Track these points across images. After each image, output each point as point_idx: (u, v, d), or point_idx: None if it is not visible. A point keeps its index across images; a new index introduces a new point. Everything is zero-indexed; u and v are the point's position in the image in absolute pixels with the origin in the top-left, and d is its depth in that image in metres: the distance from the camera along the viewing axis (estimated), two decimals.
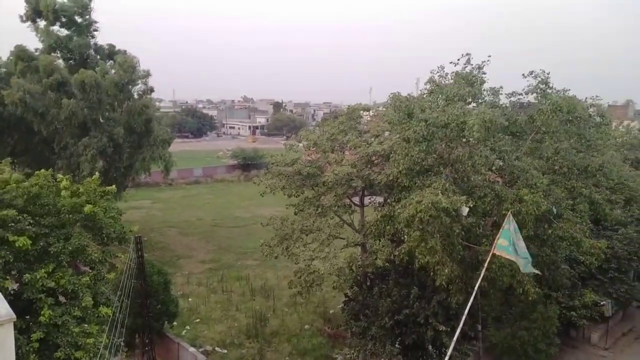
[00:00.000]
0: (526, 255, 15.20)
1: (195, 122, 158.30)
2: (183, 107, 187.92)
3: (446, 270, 17.28)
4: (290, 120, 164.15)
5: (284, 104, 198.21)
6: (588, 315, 23.57)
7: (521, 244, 15.12)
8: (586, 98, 22.15)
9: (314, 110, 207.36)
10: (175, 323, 25.66)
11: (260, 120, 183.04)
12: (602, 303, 24.27)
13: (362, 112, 26.33)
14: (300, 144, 26.20)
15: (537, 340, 21.30)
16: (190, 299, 30.16)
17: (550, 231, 19.59)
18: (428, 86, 21.94)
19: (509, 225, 14.78)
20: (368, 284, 21.64)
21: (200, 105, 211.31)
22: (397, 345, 19.30)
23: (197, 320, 27.55)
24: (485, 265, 14.77)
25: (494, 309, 22.23)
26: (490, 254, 14.80)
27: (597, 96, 22.45)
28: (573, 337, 26.01)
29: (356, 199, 25.06)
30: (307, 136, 25.57)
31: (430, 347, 18.99)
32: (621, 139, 37.30)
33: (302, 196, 23.86)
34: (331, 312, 28.29)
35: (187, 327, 26.53)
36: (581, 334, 26.08)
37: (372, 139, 23.41)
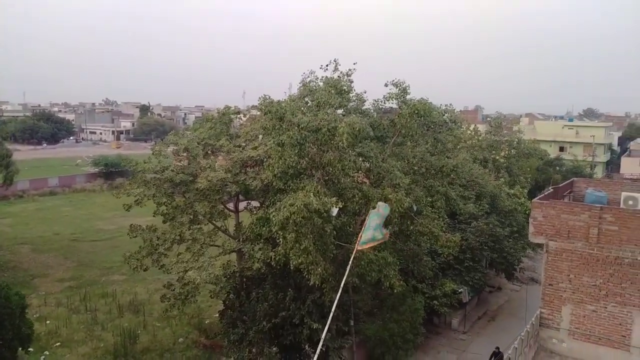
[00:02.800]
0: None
1: (50, 127, 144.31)
2: (35, 110, 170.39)
3: (319, 270, 17.71)
4: (159, 125, 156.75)
5: (151, 107, 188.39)
6: (448, 302, 25.71)
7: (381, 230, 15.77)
8: (441, 105, 24.22)
9: (185, 114, 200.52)
10: (31, 349, 22.98)
11: (126, 124, 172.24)
12: (460, 290, 26.61)
13: (234, 115, 25.98)
14: (169, 149, 25.11)
15: (406, 331, 22.73)
16: (48, 322, 27.26)
17: (412, 227, 21.13)
18: (300, 89, 22.40)
19: (370, 221, 15.49)
20: (245, 289, 21.38)
21: (56, 109, 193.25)
22: (274, 348, 19.31)
23: (58, 344, 24.98)
24: (350, 262, 15.34)
25: (366, 303, 23.28)
26: (355, 250, 15.42)
27: (450, 104, 24.66)
28: (436, 324, 28.19)
29: (231, 205, 24.63)
30: (176, 141, 24.59)
31: (307, 346, 19.29)
32: (470, 141, 41.44)
33: (173, 204, 22.86)
34: (207, 322, 27.44)
35: (46, 353, 23.94)
36: (443, 321, 28.37)
37: (246, 144, 23.23)
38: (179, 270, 22.31)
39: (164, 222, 23.15)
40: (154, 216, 23.70)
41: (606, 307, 17.25)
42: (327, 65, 22.26)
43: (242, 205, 25.39)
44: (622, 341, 17.03)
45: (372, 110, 24.59)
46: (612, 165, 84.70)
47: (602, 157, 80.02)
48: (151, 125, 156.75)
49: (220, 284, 22.06)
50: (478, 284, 28.23)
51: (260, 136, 23.04)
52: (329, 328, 18.43)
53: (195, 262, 22.01)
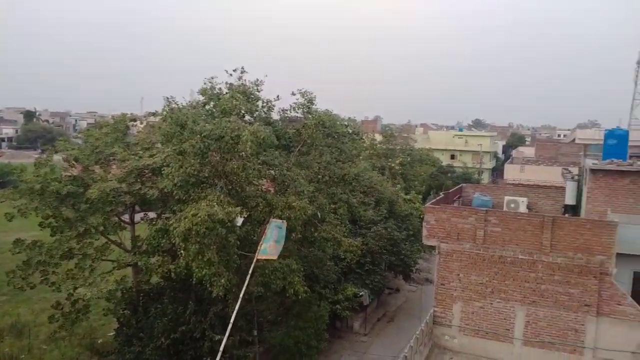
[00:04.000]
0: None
1: None
2: None
3: (222, 281, 17.40)
4: (46, 131, 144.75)
5: (37, 113, 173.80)
6: (350, 306, 26.42)
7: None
8: (345, 117, 25.01)
9: (76, 120, 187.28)
10: None
11: (8, 131, 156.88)
12: (360, 294, 27.46)
13: (130, 123, 24.80)
14: (57, 157, 23.34)
15: (311, 338, 23.01)
16: None
17: (316, 234, 21.52)
18: (202, 97, 21.93)
19: (271, 230, 15.60)
20: (142, 305, 20.41)
21: None
22: None
23: None
24: (250, 271, 15.28)
25: (271, 312, 23.24)
26: (255, 260, 15.39)
27: (354, 116, 25.58)
28: (338, 328, 28.83)
29: (126, 217, 23.41)
30: (66, 148, 22.93)
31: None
32: (369, 150, 43.15)
33: (62, 216, 21.26)
34: (100, 341, 25.72)
35: None
36: (345, 324, 29.08)
37: (143, 152, 22.24)
38: (68, 288, 20.78)
39: (52, 235, 21.45)
40: (41, 230, 21.87)
41: (492, 303, 18.72)
42: (233, 71, 22.08)
43: (138, 216, 24.23)
44: (507, 334, 18.56)
45: (278, 120, 24.76)
46: (497, 172, 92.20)
47: (489, 164, 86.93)
48: (37, 132, 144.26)
49: (114, 300, 20.86)
50: (378, 286, 29.32)
51: (159, 144, 22.21)
52: (231, 339, 18.16)
53: (87, 278, 20.64)
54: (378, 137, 50.15)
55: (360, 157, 32.15)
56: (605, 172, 20.79)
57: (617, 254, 17.65)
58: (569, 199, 24.17)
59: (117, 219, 22.59)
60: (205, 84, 21.88)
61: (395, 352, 23.89)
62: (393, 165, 43.70)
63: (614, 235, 17.40)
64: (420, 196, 41.98)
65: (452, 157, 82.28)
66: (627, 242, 18.47)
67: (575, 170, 29.19)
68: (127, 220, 23.42)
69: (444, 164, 69.85)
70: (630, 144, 28.96)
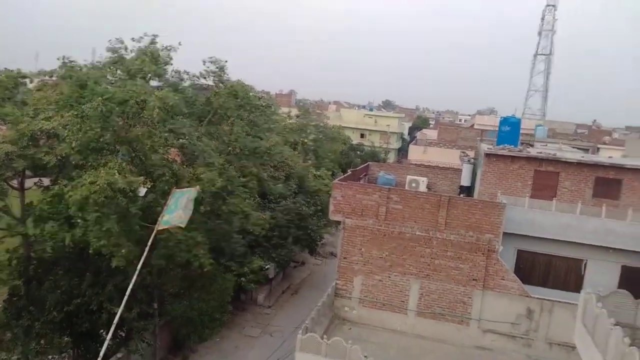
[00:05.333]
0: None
1: None
2: None
3: (123, 252, 16.79)
4: None
5: None
6: (256, 279, 26.62)
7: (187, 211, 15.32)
8: (259, 90, 24.70)
9: None
10: None
11: None
12: (266, 267, 27.75)
13: (22, 79, 22.69)
14: None
15: (214, 310, 22.96)
16: None
17: (224, 207, 21.30)
18: (109, 55, 20.59)
19: (176, 200, 15.09)
20: (35, 276, 19.13)
21: None
22: (66, 338, 17.79)
23: None
24: (149, 243, 14.78)
25: (174, 285, 22.83)
26: (155, 232, 14.95)
27: (268, 92, 25.38)
28: (243, 301, 29.02)
29: (15, 182, 21.59)
30: None
31: (104, 333, 18.18)
32: (284, 123, 43.10)
33: None
34: None
35: None
36: (249, 297, 29.32)
37: (36, 113, 20.51)
38: None
39: None
40: None
41: (390, 277, 19.75)
42: (141, 37, 20.90)
43: (29, 182, 22.45)
44: (402, 305, 19.72)
45: (188, 87, 23.92)
46: (403, 152, 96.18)
47: (395, 144, 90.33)
48: None
49: (4, 270, 19.36)
50: (284, 259, 29.79)
51: (54, 105, 20.60)
52: (132, 311, 17.65)
53: None
54: (294, 111, 50.20)
55: (274, 131, 32.01)
56: (498, 156, 22.49)
57: (504, 233, 19.30)
58: (465, 181, 25.88)
59: (4, 184, 20.78)
60: (110, 43, 20.59)
61: (297, 324, 24.51)
62: (306, 141, 44.07)
63: (502, 215, 18.96)
64: (331, 173, 42.85)
65: (362, 135, 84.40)
66: (513, 222, 20.24)
67: (471, 154, 31.26)
68: (16, 186, 21.63)
69: (354, 142, 71.56)
70: (522, 131, 31.54)
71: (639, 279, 20.09)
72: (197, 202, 18.78)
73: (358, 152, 65.72)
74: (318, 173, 38.51)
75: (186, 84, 23.44)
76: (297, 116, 46.11)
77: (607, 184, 21.58)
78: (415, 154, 45.91)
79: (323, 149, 46.32)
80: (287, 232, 30.29)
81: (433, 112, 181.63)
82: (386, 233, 19.76)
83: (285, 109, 49.07)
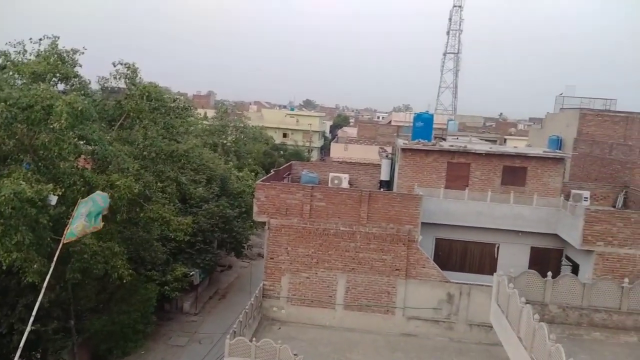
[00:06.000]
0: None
1: None
2: None
3: (35, 266, 15.65)
4: None
5: None
6: (180, 287, 25.82)
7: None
8: (175, 91, 23.94)
9: None
10: None
11: None
12: (191, 273, 27.01)
13: None
14: None
15: (137, 322, 22.00)
16: None
17: (142, 214, 20.46)
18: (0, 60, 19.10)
19: (80, 209, 14.36)
20: None
21: None
22: None
23: None
24: (56, 257, 13.96)
25: (91, 299, 21.61)
26: (60, 245, 14.11)
27: (185, 93, 24.67)
28: (168, 310, 28.05)
29: None
30: None
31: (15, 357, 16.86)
32: (201, 125, 42.15)
33: None
34: None
35: None
36: (175, 306, 28.40)
37: None
38: None
39: None
40: None
41: (317, 273, 19.93)
42: (40, 39, 19.60)
43: None
44: (330, 301, 19.97)
45: (98, 90, 22.73)
46: (325, 150, 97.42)
47: (318, 142, 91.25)
48: None
49: None
50: (209, 264, 29.15)
51: None
52: (45, 329, 16.51)
53: None
54: (210, 113, 49.15)
55: (191, 133, 31.21)
56: (413, 151, 23.36)
57: (422, 223, 20.11)
58: (384, 175, 26.67)
59: None
60: (8, 45, 19.13)
61: (226, 329, 24.10)
62: (226, 142, 43.34)
63: (420, 207, 19.75)
64: (254, 173, 42.48)
65: (285, 135, 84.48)
66: (430, 213, 21.14)
67: (389, 149, 32.26)
68: None
69: (277, 142, 71.47)
70: (435, 126, 32.94)
71: (546, 259, 21.74)
72: (114, 211, 17.94)
73: (281, 152, 65.74)
74: (241, 174, 38.04)
75: (94, 87, 22.28)
76: (215, 118, 45.13)
77: (514, 172, 23.06)
78: (337, 151, 46.59)
79: (244, 149, 45.82)
80: (212, 236, 29.66)
81: (352, 111, 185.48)
82: (311, 230, 19.91)
83: (203, 111, 47.88)
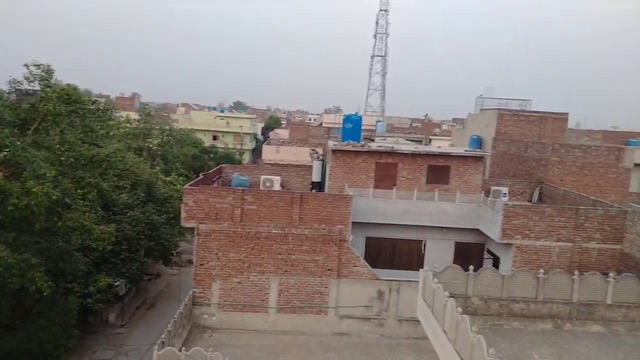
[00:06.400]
0: None
1: None
2: None
3: None
4: None
5: None
6: (104, 298, 24.57)
7: None
8: (96, 93, 22.78)
9: None
10: None
11: None
12: (116, 284, 25.79)
13: None
14: None
15: (57, 337, 20.71)
16: None
17: (61, 223, 19.31)
18: None
19: None
20: None
21: None
22: None
23: None
24: None
25: (5, 315, 20.08)
26: None
27: (108, 95, 23.52)
28: (92, 323, 26.63)
29: None
30: None
31: None
32: (125, 129, 40.42)
33: None
34: None
35: None
36: (99, 318, 27.00)
37: None
38: None
39: None
40: None
41: (249, 278, 19.67)
42: None
43: None
44: (262, 305, 19.78)
45: (9, 92, 21.23)
46: (257, 152, 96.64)
47: (249, 145, 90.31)
48: None
49: None
50: (136, 274, 27.98)
51: None
52: None
53: None
54: (134, 116, 47.24)
55: (113, 137, 29.86)
56: (343, 152, 23.68)
57: (353, 222, 20.41)
58: (316, 176, 26.82)
59: None
60: None
61: (155, 339, 23.22)
62: (151, 145, 41.83)
63: (350, 207, 20.03)
64: (183, 177, 41.31)
65: (215, 138, 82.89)
66: (360, 212, 21.51)
67: (321, 151, 32.51)
68: None
69: (207, 144, 69.98)
70: (364, 127, 33.56)
71: (469, 253, 22.75)
72: (28, 221, 16.82)
73: (211, 155, 64.39)
74: (168, 179, 36.86)
75: (4, 86, 20.81)
76: (138, 120, 43.36)
77: (438, 170, 23.96)
78: (269, 153, 46.35)
79: (171, 153, 44.41)
80: (138, 244, 28.49)
81: (284, 112, 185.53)
82: (242, 234, 19.64)
83: (126, 113, 45.92)
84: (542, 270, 11.75)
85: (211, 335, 18.75)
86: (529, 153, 29.31)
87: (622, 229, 19.80)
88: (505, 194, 25.61)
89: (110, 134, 26.33)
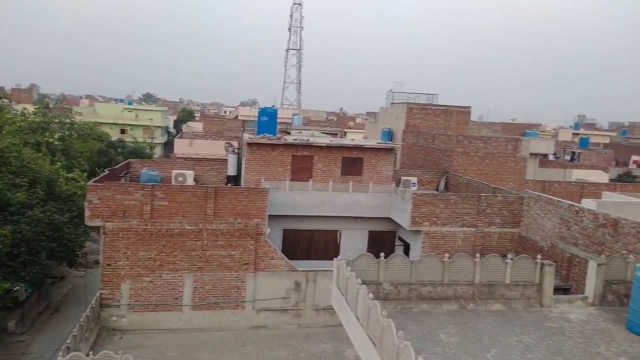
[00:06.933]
0: None
1: None
2: None
3: None
4: None
5: None
6: (1, 305, 22.65)
7: None
8: None
9: None
10: None
11: None
12: (15, 289, 23.83)
13: None
14: None
15: None
16: None
17: None
18: None
19: None
20: None
21: None
22: None
23: None
24: None
25: None
26: None
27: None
28: None
29: None
30: None
31: None
32: (20, 123, 37.27)
33: None
34: None
35: None
36: None
37: None
38: None
39: None
40: None
41: (161, 276, 18.99)
42: None
43: None
44: (176, 303, 19.19)
45: None
46: (169, 146, 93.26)
47: (161, 138, 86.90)
48: None
49: None
50: (37, 277, 25.99)
51: None
52: None
53: None
54: (31, 109, 43.67)
55: (8, 131, 27.43)
56: (259, 145, 23.51)
57: (270, 215, 20.35)
58: (231, 170, 26.43)
59: None
60: None
61: (59, 345, 21.79)
62: (51, 140, 38.91)
63: (266, 200, 19.94)
64: (86, 174, 38.86)
65: (123, 131, 78.86)
66: (277, 205, 21.50)
67: (236, 144, 32.04)
68: None
69: (114, 138, 66.41)
70: (281, 120, 33.50)
71: (382, 241, 23.55)
72: None
73: (119, 150, 61.17)
74: (71, 175, 34.48)
75: None
76: (35, 113, 40.11)
77: (352, 162, 24.52)
78: (182, 147, 44.87)
79: (74, 148, 41.55)
80: (38, 245, 26.42)
81: (198, 105, 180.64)
82: (153, 232, 18.90)
83: (22, 106, 42.34)
84: (447, 255, 12.38)
85: (121, 338, 17.92)
86: (436, 144, 30.80)
87: (520, 214, 21.42)
88: (414, 183, 26.77)
89: (4, 131, 24.05)
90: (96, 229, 27.22)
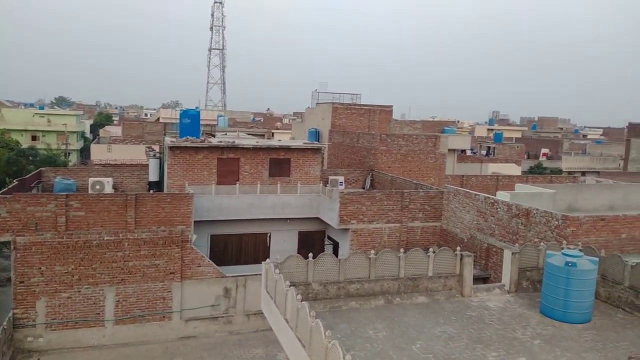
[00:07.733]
0: None
1: None
2: None
3: None
4: None
5: None
6: None
7: None
8: None
9: None
10: None
11: None
12: None
13: None
14: None
15: None
16: None
17: None
18: None
19: None
20: None
21: None
22: None
23: None
24: None
25: None
26: None
27: None
28: None
29: None
30: None
31: None
32: None
33: None
34: None
35: None
36: None
37: None
38: None
39: None
40: None
41: (80, 291, 17.95)
42: None
43: None
44: (98, 318, 18.22)
45: None
46: (86, 152, 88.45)
47: (76, 144, 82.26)
48: None
49: None
50: None
51: None
52: None
53: None
54: None
55: None
56: (182, 148, 22.83)
57: (196, 221, 19.82)
58: (153, 176, 25.46)
59: None
60: None
61: None
62: None
63: (191, 205, 19.40)
64: None
65: (34, 138, 73.94)
66: (203, 210, 20.99)
67: (157, 148, 30.93)
68: None
69: (25, 146, 62.00)
70: (206, 122, 32.74)
71: (312, 241, 23.68)
72: None
73: (31, 158, 57.12)
74: None
75: None
76: None
77: (280, 163, 24.43)
78: (99, 153, 42.65)
79: None
80: None
81: (116, 108, 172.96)
82: (69, 245, 17.83)
83: None
84: (373, 251, 12.62)
85: (39, 359, 16.75)
86: (361, 143, 31.41)
87: (440, 208, 22.31)
88: (342, 182, 27.15)
89: None
90: (6, 244, 25.32)
